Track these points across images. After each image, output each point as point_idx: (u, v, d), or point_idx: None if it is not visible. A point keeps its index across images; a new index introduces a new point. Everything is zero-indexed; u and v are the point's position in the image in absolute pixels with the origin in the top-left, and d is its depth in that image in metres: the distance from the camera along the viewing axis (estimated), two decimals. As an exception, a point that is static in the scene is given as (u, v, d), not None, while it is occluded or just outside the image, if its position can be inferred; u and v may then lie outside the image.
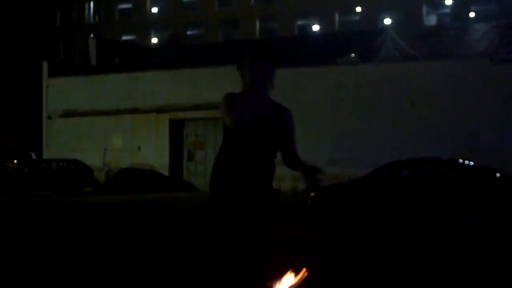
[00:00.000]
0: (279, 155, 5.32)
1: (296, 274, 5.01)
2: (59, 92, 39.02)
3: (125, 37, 66.36)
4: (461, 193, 19.74)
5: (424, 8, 56.69)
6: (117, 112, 37.20)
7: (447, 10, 57.45)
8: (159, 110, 36.32)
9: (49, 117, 39.18)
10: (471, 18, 53.81)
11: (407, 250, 11.32)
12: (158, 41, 66.27)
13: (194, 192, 34.18)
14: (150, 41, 65.42)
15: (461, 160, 21.94)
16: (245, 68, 5.20)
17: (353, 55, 35.82)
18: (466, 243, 11.96)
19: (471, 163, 21.95)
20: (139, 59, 45.49)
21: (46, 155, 38.97)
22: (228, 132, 5.15)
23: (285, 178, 31.90)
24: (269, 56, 5.29)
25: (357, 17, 59.20)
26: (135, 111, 36.88)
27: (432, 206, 19.61)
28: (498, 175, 20.77)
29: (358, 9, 58.63)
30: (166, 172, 36.08)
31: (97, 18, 70.88)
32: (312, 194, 20.65)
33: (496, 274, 8.92)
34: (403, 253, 11.01)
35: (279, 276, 5.00)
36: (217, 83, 34.62)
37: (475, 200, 19.38)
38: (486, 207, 19.18)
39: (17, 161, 44.99)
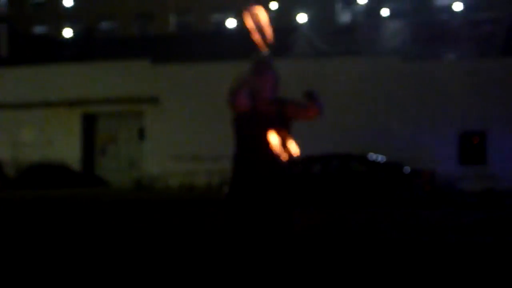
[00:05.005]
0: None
1: None
2: (-33, 84, 38.00)
3: (37, 29, 65.07)
4: (370, 188, 20.03)
5: (339, 5, 57.27)
6: (28, 106, 36.40)
7: (362, 7, 58.20)
8: (71, 104, 35.70)
9: (-43, 110, 38.08)
10: (384, 16, 54.61)
11: (321, 245, 11.36)
12: (72, 33, 65.25)
13: (105, 188, 33.81)
14: (63, 33, 64.33)
15: (371, 156, 22.25)
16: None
17: (267, 51, 35.86)
18: (375, 237, 12.08)
19: (383, 158, 22.28)
20: (52, 52, 44.62)
21: (-48, 149, 37.84)
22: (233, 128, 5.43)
23: (198, 173, 31.93)
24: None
25: (273, 14, 59.46)
26: (46, 104, 36.15)
27: (343, 201, 19.82)
28: (407, 170, 21.16)
29: (274, 5, 58.86)
30: (77, 167, 35.49)
31: (8, 8, 69.28)
32: (224, 191, 20.62)
33: (403, 268, 9.00)
34: (316, 248, 11.05)
35: None
36: (130, 77, 34.33)
37: (383, 195, 19.68)
38: (394, 202, 19.51)
39: None
